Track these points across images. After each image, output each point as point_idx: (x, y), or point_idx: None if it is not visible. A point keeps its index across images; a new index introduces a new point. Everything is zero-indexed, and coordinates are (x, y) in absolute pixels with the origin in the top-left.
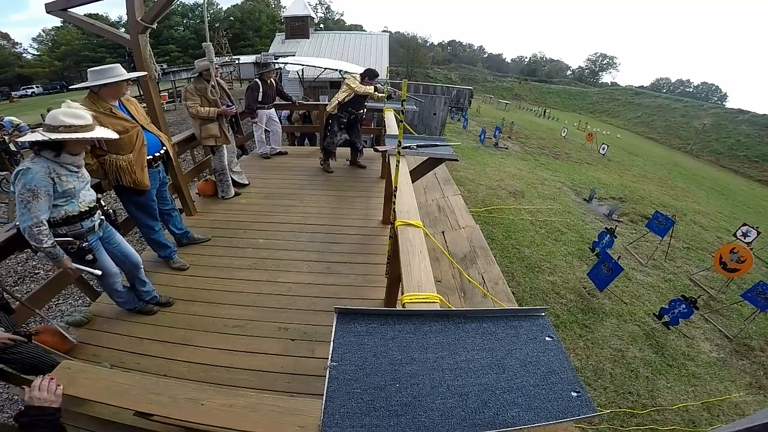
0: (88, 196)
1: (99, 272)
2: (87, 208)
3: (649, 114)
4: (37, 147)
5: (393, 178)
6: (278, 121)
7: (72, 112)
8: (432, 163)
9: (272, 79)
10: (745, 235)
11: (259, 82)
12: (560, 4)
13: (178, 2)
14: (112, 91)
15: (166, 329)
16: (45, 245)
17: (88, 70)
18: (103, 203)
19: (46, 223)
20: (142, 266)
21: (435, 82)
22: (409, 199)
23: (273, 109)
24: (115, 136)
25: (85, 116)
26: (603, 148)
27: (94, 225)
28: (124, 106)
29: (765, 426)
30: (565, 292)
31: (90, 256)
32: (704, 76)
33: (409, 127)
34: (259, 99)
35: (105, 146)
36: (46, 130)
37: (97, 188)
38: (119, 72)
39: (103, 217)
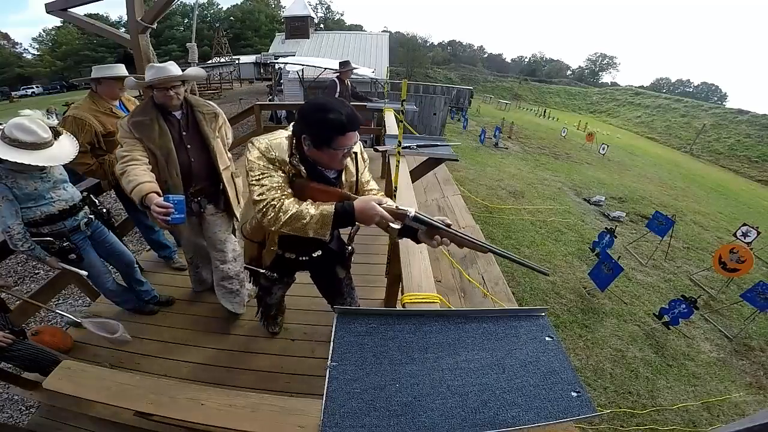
0: (65, 195)
1: (84, 273)
2: (68, 207)
3: (649, 114)
4: None
5: (393, 178)
6: None
7: (28, 128)
8: (432, 163)
9: (348, 81)
10: (745, 235)
11: (337, 82)
12: (560, 4)
13: (178, 2)
14: (109, 90)
15: (166, 329)
16: (21, 248)
17: (93, 67)
18: (97, 202)
19: (16, 227)
20: (136, 266)
21: (435, 82)
22: (409, 199)
23: None
24: (61, 162)
25: (38, 132)
26: (603, 148)
27: (78, 224)
28: (125, 106)
29: (765, 426)
30: (565, 292)
31: (73, 256)
32: (704, 76)
33: (409, 127)
34: None
35: (105, 146)
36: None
37: (97, 188)
38: (119, 72)
39: (91, 216)
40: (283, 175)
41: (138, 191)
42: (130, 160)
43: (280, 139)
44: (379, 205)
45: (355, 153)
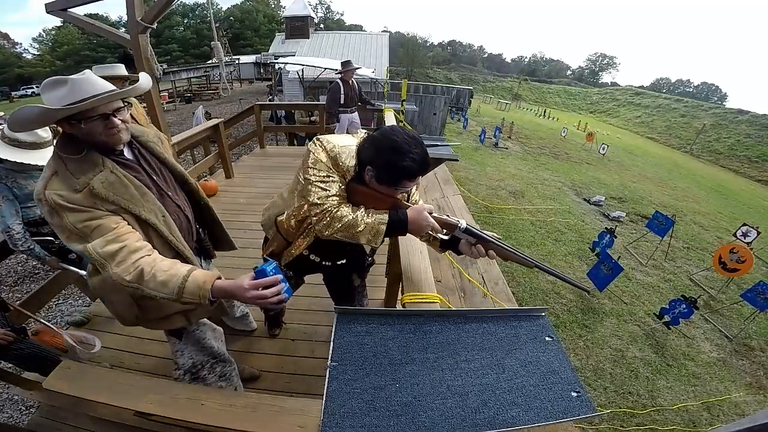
0: None
1: (84, 272)
2: None
3: (649, 114)
4: None
5: None
6: (360, 125)
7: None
8: (432, 163)
9: (353, 81)
10: (745, 235)
11: (340, 83)
12: (560, 4)
13: (178, 2)
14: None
15: None
16: (21, 248)
17: (93, 67)
18: None
19: (16, 227)
20: None
21: (435, 82)
22: None
23: (356, 113)
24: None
25: (38, 132)
26: (603, 148)
27: None
28: None
29: (765, 426)
30: (565, 292)
31: (73, 255)
32: (704, 76)
33: (409, 127)
34: (341, 101)
35: None
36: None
37: None
38: (119, 71)
39: None
40: (343, 181)
41: (195, 286)
42: (130, 252)
43: (349, 147)
44: (430, 214)
45: None
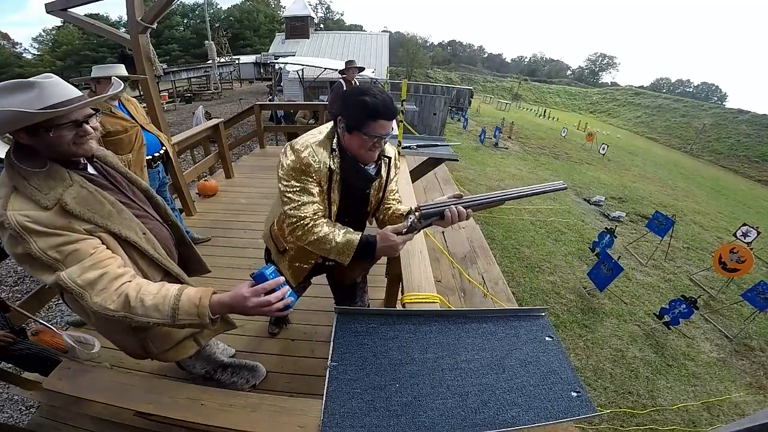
0: None
1: None
2: None
3: (649, 114)
4: None
5: None
6: None
7: None
8: (432, 163)
9: (355, 81)
10: (745, 235)
11: (343, 83)
12: (560, 4)
13: (178, 2)
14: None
15: None
16: None
17: (93, 67)
18: None
19: None
20: None
21: (435, 82)
22: (409, 199)
23: None
24: None
25: None
26: (603, 148)
27: None
28: (124, 106)
29: (765, 426)
30: (565, 292)
31: None
32: (704, 76)
33: (409, 127)
34: None
35: (104, 147)
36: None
37: None
38: (119, 72)
39: None
40: (318, 186)
41: (190, 305)
42: (112, 279)
43: (320, 135)
44: (397, 234)
45: (389, 158)
